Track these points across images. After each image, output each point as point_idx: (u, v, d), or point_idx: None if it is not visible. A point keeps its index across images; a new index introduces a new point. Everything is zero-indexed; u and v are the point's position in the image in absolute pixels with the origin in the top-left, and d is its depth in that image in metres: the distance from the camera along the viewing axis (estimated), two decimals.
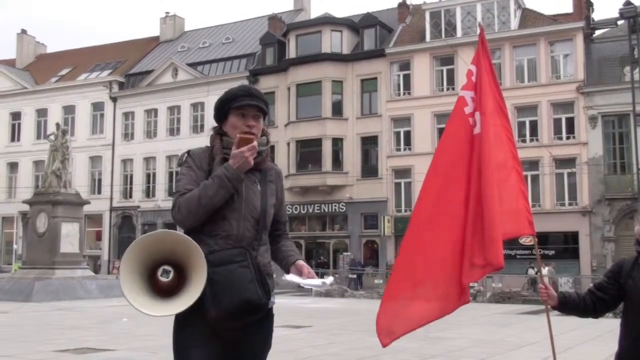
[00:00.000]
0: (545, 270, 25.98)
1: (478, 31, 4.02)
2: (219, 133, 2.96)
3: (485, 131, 3.74)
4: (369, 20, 35.69)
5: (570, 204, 29.83)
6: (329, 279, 2.90)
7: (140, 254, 2.56)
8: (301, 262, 2.92)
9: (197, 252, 2.56)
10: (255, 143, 2.78)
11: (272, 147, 36.09)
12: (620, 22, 31.34)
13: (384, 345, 3.70)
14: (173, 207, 2.80)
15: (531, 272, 26.83)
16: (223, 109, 2.95)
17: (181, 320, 2.74)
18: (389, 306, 3.72)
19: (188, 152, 2.95)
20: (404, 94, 33.87)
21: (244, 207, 2.81)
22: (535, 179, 29.70)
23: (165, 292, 2.62)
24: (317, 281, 2.82)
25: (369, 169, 34.18)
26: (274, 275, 2.89)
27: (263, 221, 2.86)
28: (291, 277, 2.79)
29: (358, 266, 32.23)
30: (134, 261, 2.56)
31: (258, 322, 2.77)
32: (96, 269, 34.93)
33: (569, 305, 3.49)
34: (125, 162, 40.43)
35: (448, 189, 3.76)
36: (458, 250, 3.67)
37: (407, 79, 33.87)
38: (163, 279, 2.59)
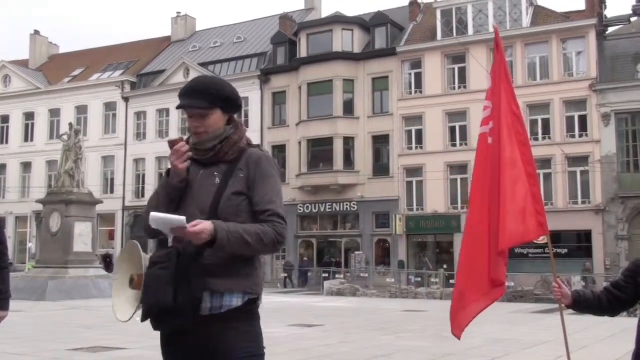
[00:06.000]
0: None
1: (493, 32, 4.12)
2: None
3: (495, 139, 3.91)
4: (380, 19, 35.66)
5: (583, 202, 29.64)
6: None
7: (121, 265, 2.69)
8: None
9: (140, 258, 2.60)
10: (179, 145, 2.63)
11: (283, 146, 36.20)
12: (633, 19, 31.21)
13: (459, 338, 3.98)
14: None
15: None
16: None
17: None
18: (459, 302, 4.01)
19: None
20: (416, 92, 33.79)
21: (193, 204, 2.65)
22: (547, 177, 29.53)
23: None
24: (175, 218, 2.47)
25: (381, 168, 34.14)
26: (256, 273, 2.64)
27: (214, 216, 2.57)
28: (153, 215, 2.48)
29: (308, 266, 33.56)
30: (120, 271, 2.69)
31: (222, 328, 2.56)
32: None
33: (583, 304, 3.46)
34: (138, 161, 40.62)
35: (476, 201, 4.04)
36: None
37: (418, 78, 33.79)
38: (129, 288, 2.64)
